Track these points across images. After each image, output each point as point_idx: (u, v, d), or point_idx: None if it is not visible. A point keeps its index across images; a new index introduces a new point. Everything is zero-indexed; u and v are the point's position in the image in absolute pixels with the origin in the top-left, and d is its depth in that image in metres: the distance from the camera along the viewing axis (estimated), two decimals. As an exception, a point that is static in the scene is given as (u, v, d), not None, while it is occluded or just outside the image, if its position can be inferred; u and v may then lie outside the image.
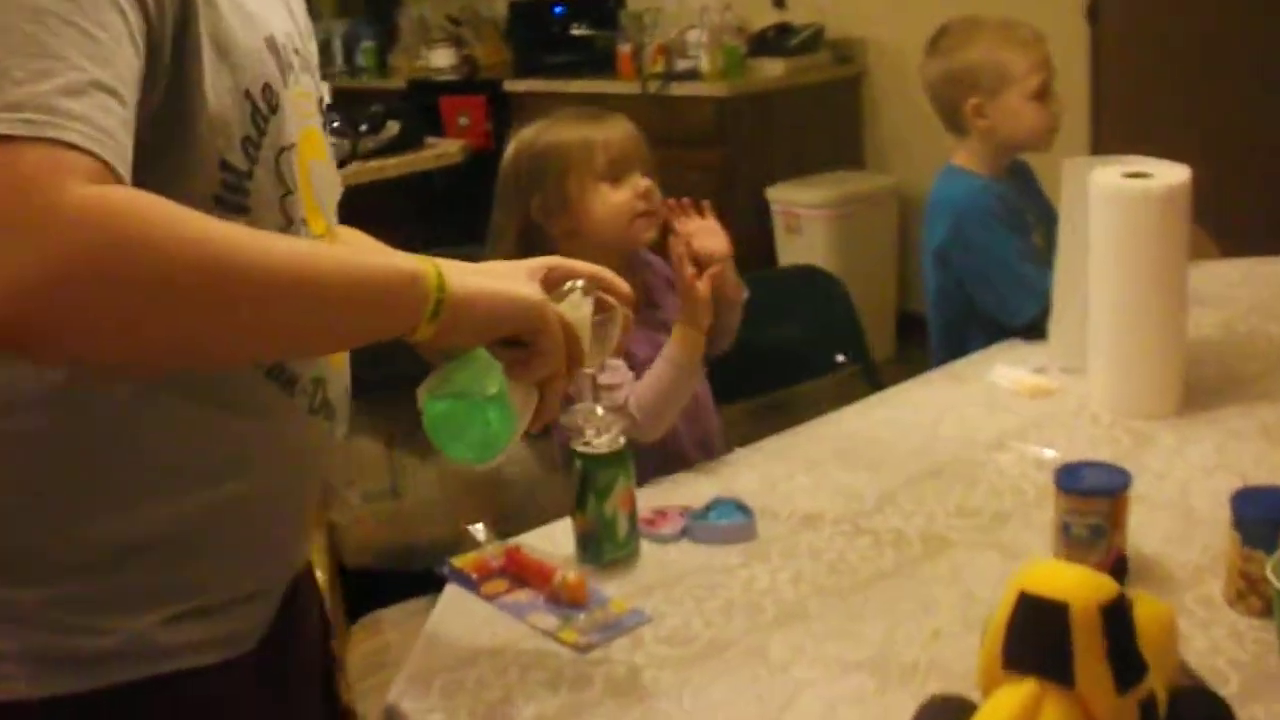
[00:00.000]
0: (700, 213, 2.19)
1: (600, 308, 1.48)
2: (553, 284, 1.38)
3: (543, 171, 2.21)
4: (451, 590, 1.78)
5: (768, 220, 5.26)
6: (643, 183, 2.19)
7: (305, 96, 1.32)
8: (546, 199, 2.20)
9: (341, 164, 3.93)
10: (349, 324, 1.18)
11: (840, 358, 2.89)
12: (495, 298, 1.23)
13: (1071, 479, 1.61)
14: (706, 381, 2.24)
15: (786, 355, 2.89)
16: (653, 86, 5.45)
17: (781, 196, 5.21)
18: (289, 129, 1.25)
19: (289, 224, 1.26)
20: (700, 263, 2.10)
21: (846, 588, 1.66)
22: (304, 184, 1.28)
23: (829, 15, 5.56)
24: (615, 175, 2.18)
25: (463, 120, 6.47)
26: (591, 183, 2.18)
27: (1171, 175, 2.04)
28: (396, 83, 7.17)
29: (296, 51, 1.32)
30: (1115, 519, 1.59)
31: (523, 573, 1.77)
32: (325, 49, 8.02)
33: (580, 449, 1.77)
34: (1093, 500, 1.59)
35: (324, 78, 4.71)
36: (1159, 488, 1.86)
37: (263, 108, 1.20)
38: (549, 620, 1.65)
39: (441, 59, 7.19)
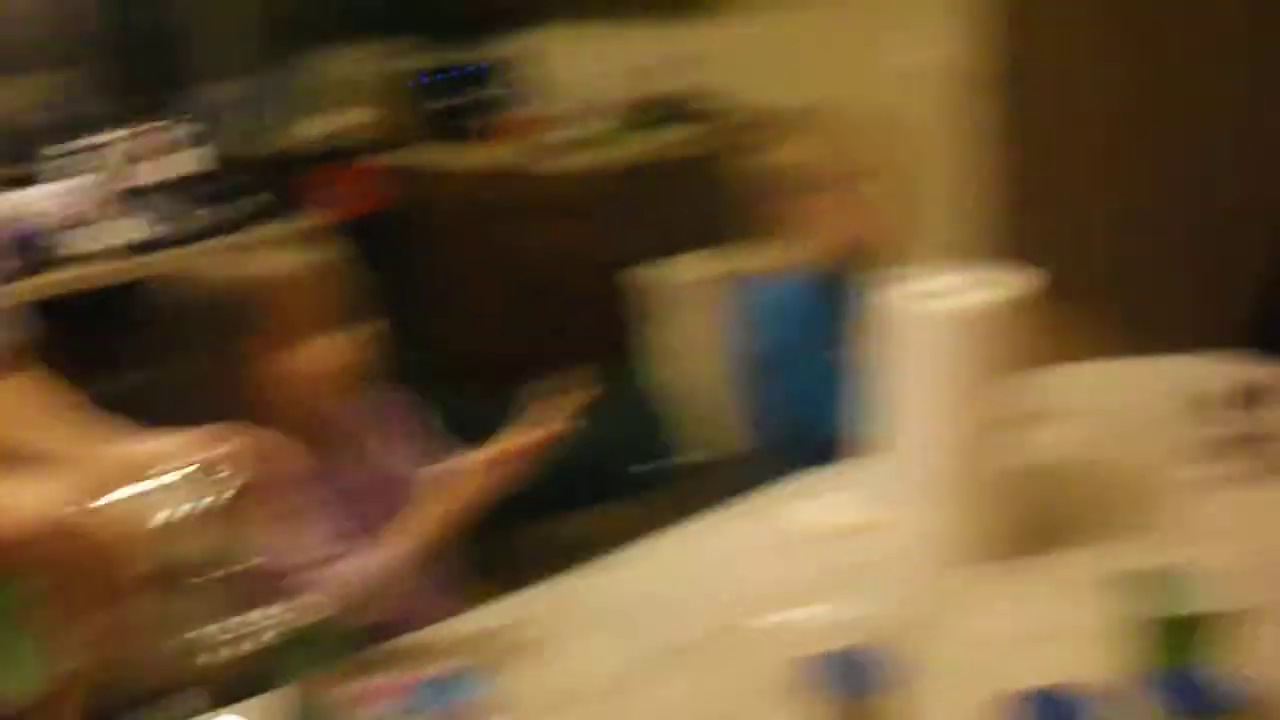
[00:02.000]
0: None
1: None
2: None
3: (241, 317, 1.85)
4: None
5: (642, 301, 4.94)
6: (355, 336, 1.89)
7: None
8: (245, 347, 1.85)
9: (196, 240, 3.69)
10: None
11: (656, 466, 2.56)
12: None
13: (825, 674, 1.29)
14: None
15: (601, 466, 2.57)
16: (529, 157, 5.15)
17: (658, 276, 4.88)
18: None
19: None
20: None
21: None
22: None
23: (721, 85, 5.28)
24: (323, 327, 1.86)
25: (354, 189, 6.16)
26: (298, 337, 1.85)
27: (995, 289, 1.73)
28: (298, 147, 6.84)
29: None
30: (876, 724, 1.27)
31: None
32: (229, 110, 7.73)
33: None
34: (850, 702, 1.27)
35: (226, 141, 4.31)
36: (965, 663, 1.53)
37: None
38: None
39: (342, 123, 6.87)
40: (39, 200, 4.03)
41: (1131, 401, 2.40)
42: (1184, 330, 2.67)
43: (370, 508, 1.84)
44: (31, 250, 3.57)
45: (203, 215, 3.84)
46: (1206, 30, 4.04)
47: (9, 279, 3.44)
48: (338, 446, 1.90)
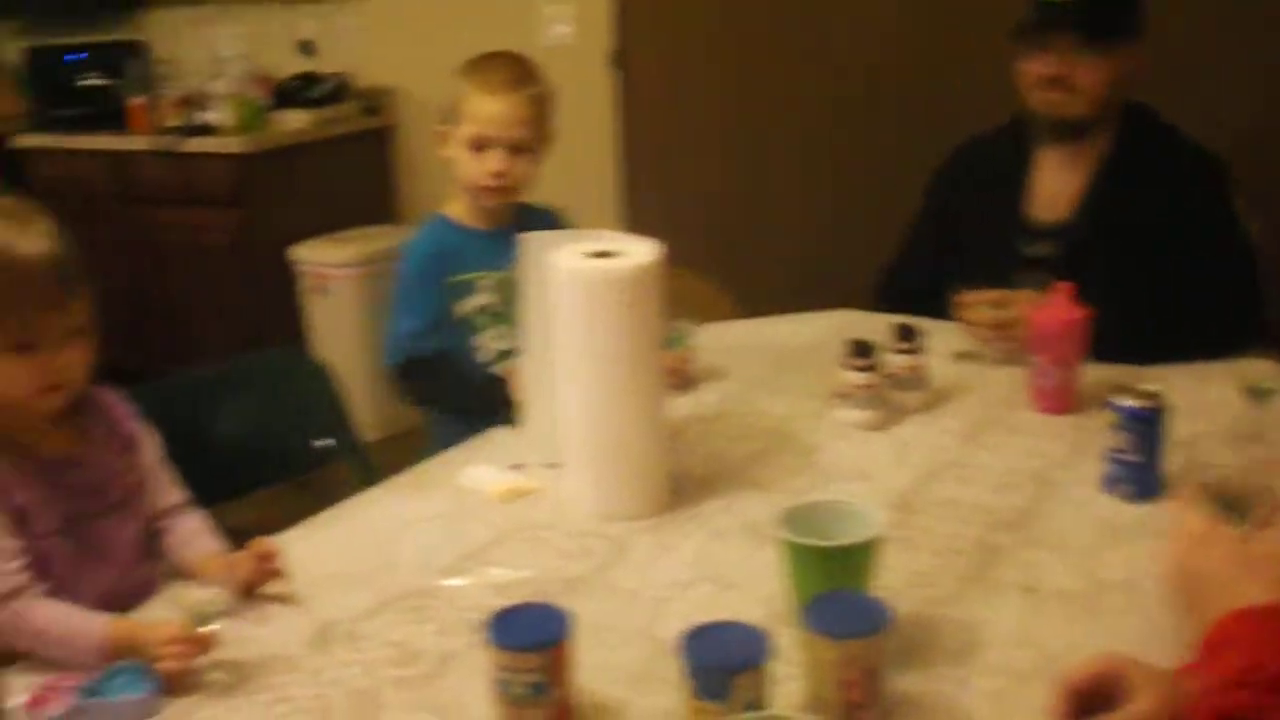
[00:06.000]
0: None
1: None
2: None
3: None
4: None
5: (294, 282, 4.93)
6: (60, 357, 1.76)
7: None
8: None
9: None
10: None
11: (325, 444, 2.57)
12: None
13: (502, 631, 1.37)
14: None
15: (269, 448, 2.57)
16: (167, 143, 5.04)
17: (308, 256, 4.89)
18: None
19: None
20: None
21: (245, 778, 1.38)
22: None
23: (358, 64, 5.29)
24: (29, 344, 1.73)
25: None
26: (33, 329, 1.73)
27: (640, 253, 1.84)
28: None
29: None
30: (555, 673, 1.36)
31: None
32: None
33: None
34: (527, 655, 1.35)
35: None
36: (629, 612, 1.65)
37: None
38: None
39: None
40: None
41: (774, 355, 2.57)
42: (791, 297, 2.89)
43: (81, 508, 1.80)
44: None
45: None
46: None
47: None
48: (54, 446, 1.83)
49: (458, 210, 2.54)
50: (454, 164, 2.49)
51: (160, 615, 1.67)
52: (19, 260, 1.71)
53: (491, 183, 2.44)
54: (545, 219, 2.56)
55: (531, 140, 2.47)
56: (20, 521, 1.73)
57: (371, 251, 4.79)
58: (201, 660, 1.55)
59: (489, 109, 2.44)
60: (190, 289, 5.04)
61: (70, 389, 1.80)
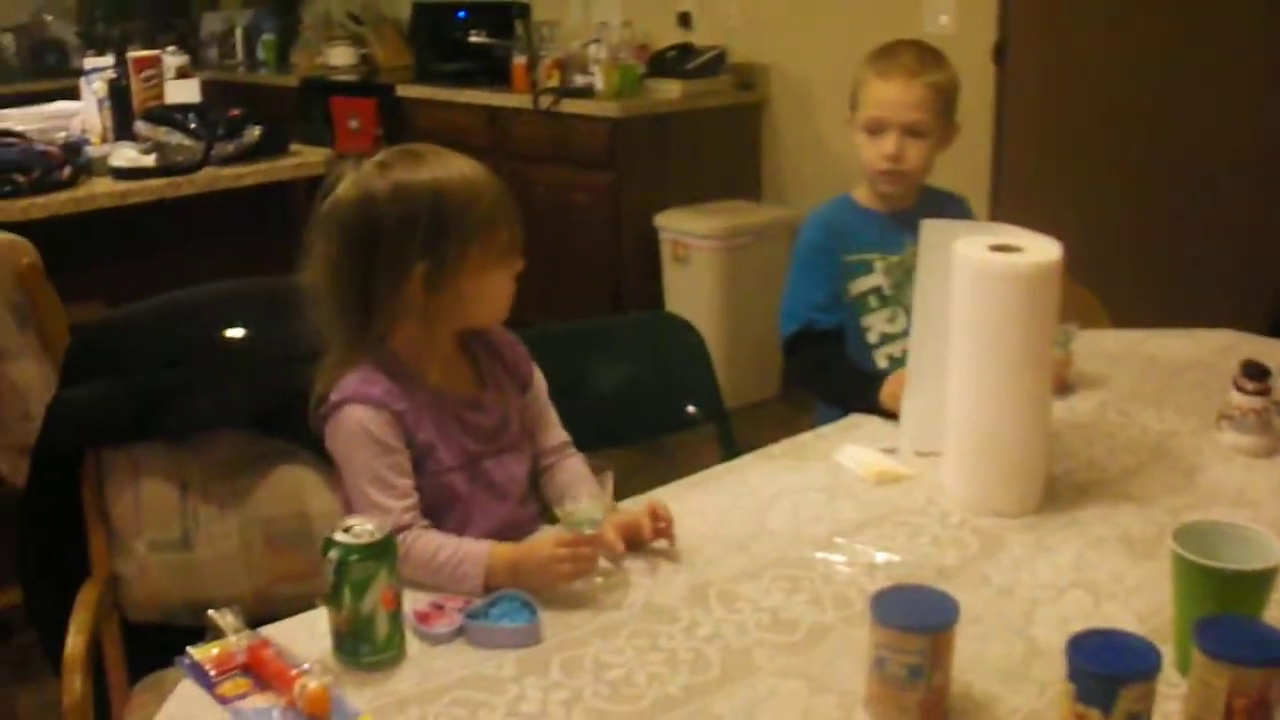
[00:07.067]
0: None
1: None
2: None
3: (438, 235, 1.78)
4: (185, 688, 1.55)
5: (655, 248, 5.03)
6: (520, 265, 1.88)
7: None
8: (440, 269, 1.79)
9: (194, 169, 3.73)
10: None
11: (691, 409, 2.64)
12: None
13: (888, 609, 1.39)
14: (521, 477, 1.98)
15: (635, 406, 2.64)
16: (544, 102, 5.21)
17: (671, 224, 4.98)
18: None
19: None
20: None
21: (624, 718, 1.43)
22: None
23: (734, 39, 5.35)
24: (509, 256, 1.86)
25: (353, 123, 6.21)
26: (491, 262, 1.83)
27: (1042, 251, 1.82)
28: (293, 80, 6.87)
29: None
30: (937, 658, 1.37)
31: (263, 673, 1.55)
32: (226, 39, 7.74)
33: (335, 537, 1.54)
34: (911, 637, 1.36)
35: (222, 69, 4.41)
36: (1001, 608, 1.64)
37: None
38: (281, 736, 1.46)
39: (340, 57, 6.93)
40: (75, 112, 4.05)
41: (1154, 369, 2.51)
42: (1163, 310, 2.79)
43: (458, 451, 1.88)
44: (78, 159, 3.60)
45: (192, 145, 3.84)
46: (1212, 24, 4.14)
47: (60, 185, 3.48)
48: (460, 387, 1.92)
49: (862, 193, 2.57)
50: (857, 148, 2.52)
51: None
52: (487, 181, 1.85)
53: (885, 166, 2.46)
54: (950, 205, 2.57)
55: (927, 126, 2.47)
56: (423, 458, 1.84)
57: (733, 225, 4.85)
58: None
59: (883, 93, 2.46)
60: (556, 244, 5.19)
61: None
